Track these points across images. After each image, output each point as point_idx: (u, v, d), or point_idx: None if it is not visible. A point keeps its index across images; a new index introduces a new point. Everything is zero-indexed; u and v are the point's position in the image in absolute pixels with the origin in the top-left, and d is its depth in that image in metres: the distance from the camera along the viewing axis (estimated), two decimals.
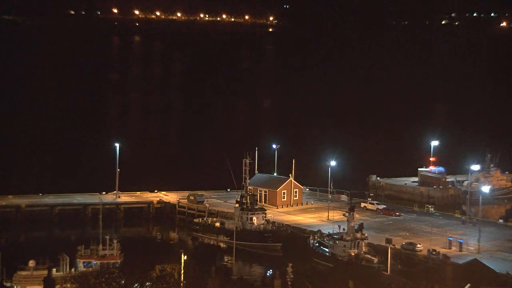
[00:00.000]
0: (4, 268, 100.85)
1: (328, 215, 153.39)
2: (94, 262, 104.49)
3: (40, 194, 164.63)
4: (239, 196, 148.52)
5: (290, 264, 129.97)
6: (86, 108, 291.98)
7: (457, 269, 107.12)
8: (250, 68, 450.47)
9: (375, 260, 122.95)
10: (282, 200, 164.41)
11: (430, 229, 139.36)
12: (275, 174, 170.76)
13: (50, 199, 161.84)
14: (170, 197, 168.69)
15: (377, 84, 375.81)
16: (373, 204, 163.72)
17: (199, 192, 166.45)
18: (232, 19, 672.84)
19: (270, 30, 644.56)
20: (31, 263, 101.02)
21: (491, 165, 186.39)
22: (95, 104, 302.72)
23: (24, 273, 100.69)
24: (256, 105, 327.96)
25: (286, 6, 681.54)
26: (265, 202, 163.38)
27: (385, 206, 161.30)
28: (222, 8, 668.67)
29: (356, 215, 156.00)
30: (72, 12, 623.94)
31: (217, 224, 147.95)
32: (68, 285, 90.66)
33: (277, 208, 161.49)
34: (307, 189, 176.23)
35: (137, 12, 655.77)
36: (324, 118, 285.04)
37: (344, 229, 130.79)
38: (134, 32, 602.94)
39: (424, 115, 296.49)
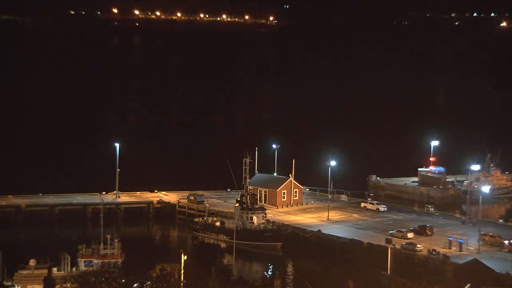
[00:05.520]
0: (5, 268, 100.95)
1: (328, 215, 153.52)
2: (95, 261, 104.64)
3: (40, 194, 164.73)
4: (239, 195, 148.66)
5: (290, 264, 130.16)
6: (86, 108, 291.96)
7: (457, 269, 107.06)
8: (250, 68, 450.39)
9: None
10: (282, 200, 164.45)
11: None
12: (275, 174, 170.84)
13: (50, 199, 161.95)
14: (170, 197, 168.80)
15: (377, 83, 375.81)
16: (373, 204, 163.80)
17: (199, 192, 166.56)
18: (232, 19, 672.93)
19: (265, 30, 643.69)
20: (32, 262, 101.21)
21: (491, 165, 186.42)
22: (95, 104, 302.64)
23: (25, 272, 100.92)
24: (256, 105, 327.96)
25: (286, 6, 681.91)
26: (265, 202, 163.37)
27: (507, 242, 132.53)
28: (222, 8, 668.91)
29: (356, 215, 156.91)
30: (72, 12, 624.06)
31: (217, 224, 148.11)
32: (69, 284, 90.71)
33: (277, 208, 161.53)
34: (307, 189, 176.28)
35: (137, 12, 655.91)
36: (324, 118, 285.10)
37: None
38: (134, 32, 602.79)
39: (424, 115, 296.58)
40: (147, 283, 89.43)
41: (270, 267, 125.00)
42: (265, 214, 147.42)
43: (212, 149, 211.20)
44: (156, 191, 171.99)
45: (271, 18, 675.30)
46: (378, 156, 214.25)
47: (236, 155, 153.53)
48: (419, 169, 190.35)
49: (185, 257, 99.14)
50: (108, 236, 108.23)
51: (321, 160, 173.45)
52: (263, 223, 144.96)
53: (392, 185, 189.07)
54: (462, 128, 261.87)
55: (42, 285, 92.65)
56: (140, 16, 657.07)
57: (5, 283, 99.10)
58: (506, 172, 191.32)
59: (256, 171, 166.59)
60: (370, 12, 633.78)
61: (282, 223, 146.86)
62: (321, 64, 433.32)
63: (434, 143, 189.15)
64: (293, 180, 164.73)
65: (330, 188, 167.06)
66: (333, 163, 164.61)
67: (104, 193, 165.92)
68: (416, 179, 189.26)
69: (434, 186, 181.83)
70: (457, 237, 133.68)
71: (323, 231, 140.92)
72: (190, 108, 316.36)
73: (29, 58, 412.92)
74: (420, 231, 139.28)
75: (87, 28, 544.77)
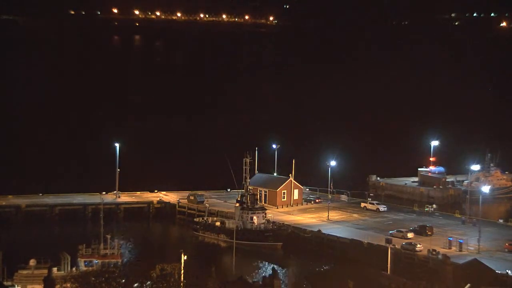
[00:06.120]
0: (5, 268, 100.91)
1: (328, 215, 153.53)
2: (95, 261, 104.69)
3: (40, 194, 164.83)
4: (240, 195, 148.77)
5: (290, 264, 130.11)
6: (86, 108, 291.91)
7: (457, 269, 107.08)
8: (250, 68, 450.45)
9: None
10: (282, 200, 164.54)
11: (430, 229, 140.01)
12: (275, 174, 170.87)
13: (50, 199, 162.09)
14: (170, 197, 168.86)
15: (377, 84, 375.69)
16: (373, 204, 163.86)
17: (199, 192, 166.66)
18: (232, 19, 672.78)
19: (265, 30, 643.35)
20: (32, 262, 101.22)
21: (491, 165, 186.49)
22: (95, 104, 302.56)
23: (25, 272, 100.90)
24: (256, 105, 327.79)
25: (286, 6, 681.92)
26: (265, 202, 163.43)
27: None
28: (222, 8, 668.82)
29: (356, 215, 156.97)
30: (72, 12, 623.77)
31: (217, 224, 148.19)
32: (69, 284, 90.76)
33: (277, 208, 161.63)
34: (307, 189, 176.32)
35: (137, 12, 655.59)
36: (325, 118, 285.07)
37: None
38: (134, 32, 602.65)
39: (424, 115, 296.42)
40: (147, 283, 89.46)
41: (270, 267, 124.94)
42: (265, 214, 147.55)
43: (212, 149, 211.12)
44: (156, 191, 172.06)
45: (271, 18, 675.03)
46: (378, 156, 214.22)
47: (236, 155, 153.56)
48: (419, 169, 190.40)
49: (185, 257, 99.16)
50: (108, 236, 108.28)
51: (321, 160, 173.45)
52: (263, 223, 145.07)
53: (392, 185, 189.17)
54: (462, 128, 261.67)
55: (42, 285, 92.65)
56: (140, 16, 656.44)
57: (5, 283, 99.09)
58: (506, 172, 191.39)
59: (256, 171, 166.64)
60: (370, 12, 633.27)
61: (282, 223, 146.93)
62: (320, 64, 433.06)
63: (434, 143, 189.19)
64: (293, 180, 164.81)
65: (330, 188, 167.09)
66: (333, 163, 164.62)
67: (104, 193, 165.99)
68: (416, 179, 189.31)
69: (434, 186, 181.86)
70: (457, 237, 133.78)
71: (323, 231, 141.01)
72: (190, 108, 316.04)
73: (29, 58, 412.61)
74: (420, 231, 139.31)
75: (87, 28, 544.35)
